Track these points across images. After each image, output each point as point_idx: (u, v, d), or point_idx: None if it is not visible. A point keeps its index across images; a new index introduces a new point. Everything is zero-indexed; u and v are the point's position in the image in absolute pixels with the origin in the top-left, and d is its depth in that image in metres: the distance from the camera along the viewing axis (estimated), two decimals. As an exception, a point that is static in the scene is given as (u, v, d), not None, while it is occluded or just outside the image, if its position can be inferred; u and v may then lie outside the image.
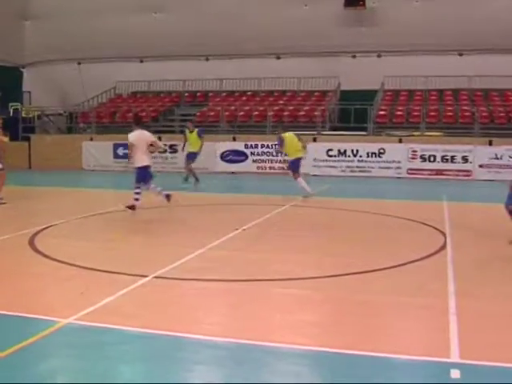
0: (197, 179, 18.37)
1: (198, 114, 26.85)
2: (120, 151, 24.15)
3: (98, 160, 24.97)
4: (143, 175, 12.85)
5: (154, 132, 24.96)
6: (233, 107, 26.87)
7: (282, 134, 15.95)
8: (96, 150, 25.23)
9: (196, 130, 19.02)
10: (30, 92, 30.84)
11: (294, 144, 15.82)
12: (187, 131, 19.03)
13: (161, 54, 28.90)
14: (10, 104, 28.71)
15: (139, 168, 12.81)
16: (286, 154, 16.89)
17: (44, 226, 10.94)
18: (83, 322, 5.75)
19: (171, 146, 22.99)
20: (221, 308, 6.51)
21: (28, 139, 26.34)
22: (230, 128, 25.46)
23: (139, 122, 13.67)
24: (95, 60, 29.83)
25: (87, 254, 8.80)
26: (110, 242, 9.94)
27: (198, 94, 29.41)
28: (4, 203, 13.97)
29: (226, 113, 26.16)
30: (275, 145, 18.49)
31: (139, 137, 12.79)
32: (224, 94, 28.97)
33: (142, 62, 30.05)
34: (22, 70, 32.29)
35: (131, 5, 28.72)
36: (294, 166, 15.77)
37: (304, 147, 16.41)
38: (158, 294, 6.89)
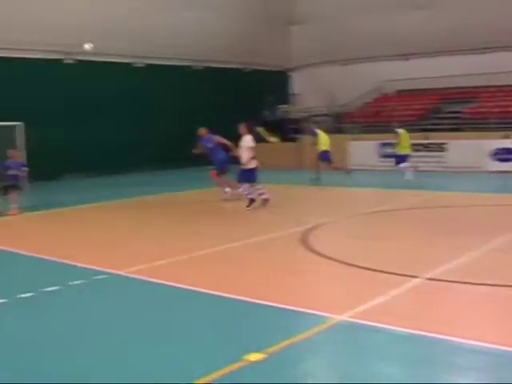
0: (317, 178, 19.48)
1: (465, 110, 25.86)
2: (385, 150, 24.27)
3: (363, 159, 25.31)
4: (250, 176, 14.40)
5: (422, 130, 24.82)
6: (503, 102, 25.37)
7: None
8: (362, 149, 25.60)
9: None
10: (297, 94, 32.34)
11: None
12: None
13: (426, 51, 28.40)
14: (279, 106, 30.46)
15: (250, 169, 14.38)
16: None
17: (314, 225, 11.44)
18: (356, 320, 5.91)
19: (440, 145, 22.53)
20: (497, 314, 6.24)
21: (297, 140, 27.60)
22: (501, 125, 24.05)
23: (251, 129, 15.40)
24: (359, 60, 30.29)
25: (357, 253, 9.02)
26: (379, 241, 10.05)
27: (465, 90, 28.27)
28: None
29: (496, 109, 24.79)
30: None
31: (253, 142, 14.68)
32: (493, 89, 27.46)
33: (407, 59, 29.76)
34: (289, 73, 34.05)
35: (393, 3, 28.61)
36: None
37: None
38: (430, 295, 6.83)
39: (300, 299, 6.74)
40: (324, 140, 20.24)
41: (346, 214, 12.80)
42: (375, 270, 7.82)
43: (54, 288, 7.54)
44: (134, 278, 7.96)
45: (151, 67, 27.03)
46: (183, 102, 27.95)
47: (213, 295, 6.99)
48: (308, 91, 31.72)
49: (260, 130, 29.70)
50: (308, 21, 31.49)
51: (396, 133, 19.35)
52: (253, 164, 14.58)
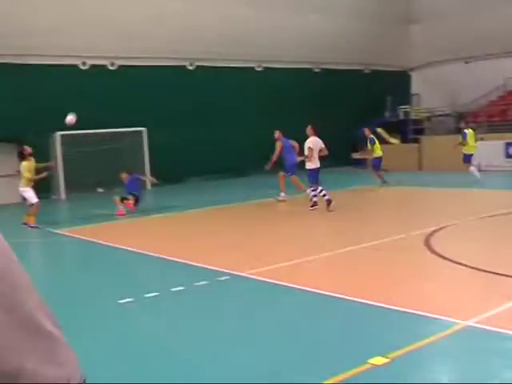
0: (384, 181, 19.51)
1: None
2: (512, 150, 23.27)
3: (488, 160, 24.34)
4: (314, 176, 14.89)
5: None
6: None
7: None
8: (487, 149, 24.63)
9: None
10: (418, 94, 31.64)
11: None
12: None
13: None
14: (400, 107, 29.93)
15: (312, 170, 14.87)
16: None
17: (437, 227, 11.14)
18: (482, 326, 5.69)
19: None
20: None
21: (418, 141, 27.01)
22: None
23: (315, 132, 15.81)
24: (481, 57, 29.16)
25: (482, 256, 8.72)
26: (505, 245, 9.64)
27: None
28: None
29: None
30: None
31: (314, 142, 15.22)
32: None
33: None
34: (409, 73, 33.37)
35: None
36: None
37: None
38: None
39: (425, 303, 6.58)
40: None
41: (469, 217, 12.36)
42: (502, 275, 7.50)
43: (179, 288, 7.79)
44: (255, 280, 8.08)
45: (268, 70, 27.41)
46: (300, 104, 28.11)
47: (336, 297, 6.97)
48: (429, 91, 30.99)
49: (380, 131, 29.49)
50: (428, 19, 30.79)
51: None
52: (314, 165, 15.00)
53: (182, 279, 8.33)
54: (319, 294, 7.18)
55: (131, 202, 16.37)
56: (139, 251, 10.84)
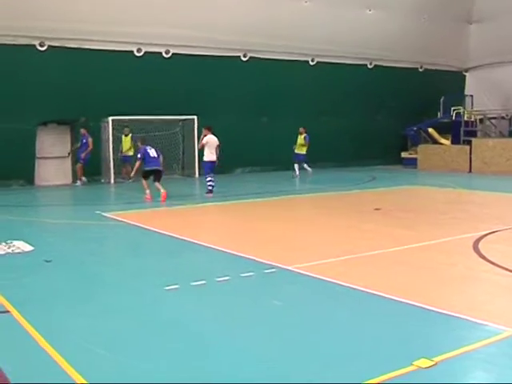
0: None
1: None
2: None
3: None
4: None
5: None
6: None
7: None
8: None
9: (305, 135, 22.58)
10: (472, 95, 31.10)
11: None
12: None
13: None
14: (452, 108, 29.49)
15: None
16: None
17: (487, 232, 10.99)
18: (531, 335, 5.63)
19: None
20: None
21: (469, 143, 26.60)
22: None
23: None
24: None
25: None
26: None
27: None
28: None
29: None
30: None
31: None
32: None
33: None
34: (464, 73, 32.81)
35: None
36: None
37: None
38: None
39: (472, 308, 6.51)
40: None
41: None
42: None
43: (225, 278, 7.89)
44: (302, 274, 8.11)
45: (322, 65, 27.31)
46: (352, 100, 28.02)
47: (383, 297, 6.96)
48: (485, 92, 30.44)
49: (431, 131, 29.15)
50: (488, 18, 30.15)
51: None
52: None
53: (229, 269, 8.43)
54: (366, 292, 7.17)
55: (148, 192, 16.75)
56: (187, 239, 10.98)
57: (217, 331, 5.96)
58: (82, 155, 21.75)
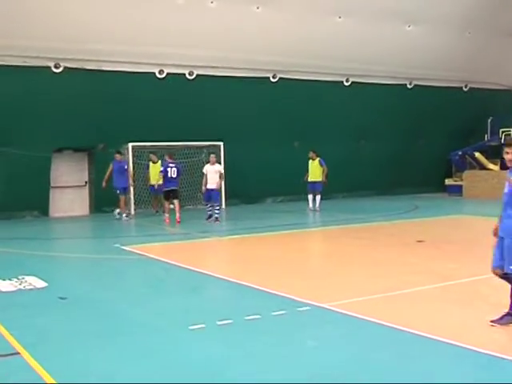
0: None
1: None
2: None
3: None
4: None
5: None
6: None
7: None
8: None
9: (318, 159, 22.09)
10: (523, 116, 30.80)
11: None
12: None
13: None
14: (501, 129, 29.21)
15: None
16: None
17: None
18: None
19: None
20: None
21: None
22: None
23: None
24: None
25: None
26: None
27: None
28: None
29: None
30: None
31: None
32: None
33: None
34: (515, 92, 32.58)
35: None
36: None
37: None
38: None
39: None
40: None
41: None
42: None
43: (254, 317, 7.81)
44: (338, 312, 8.01)
45: (357, 85, 27.30)
46: (391, 123, 27.92)
47: (427, 338, 6.83)
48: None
49: (478, 155, 28.87)
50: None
51: None
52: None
53: (258, 307, 8.35)
54: (408, 332, 7.05)
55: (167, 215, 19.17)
56: (212, 274, 10.96)
57: (247, 375, 5.88)
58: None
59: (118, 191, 20.87)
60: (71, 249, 15.22)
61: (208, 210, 19.27)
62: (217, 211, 18.83)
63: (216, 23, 22.95)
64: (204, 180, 19.17)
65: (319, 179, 22.10)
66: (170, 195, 19.16)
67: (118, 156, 21.04)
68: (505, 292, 7.81)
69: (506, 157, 7.21)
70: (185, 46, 22.81)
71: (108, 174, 20.81)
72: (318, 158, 22.28)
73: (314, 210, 21.87)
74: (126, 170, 21.12)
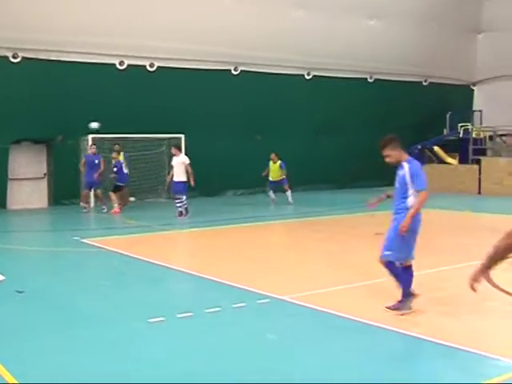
0: None
1: None
2: None
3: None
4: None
5: None
6: None
7: None
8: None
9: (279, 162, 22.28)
10: (481, 111, 31.29)
11: None
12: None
13: None
14: (460, 124, 29.64)
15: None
16: None
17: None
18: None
19: None
20: None
21: (478, 162, 26.67)
22: None
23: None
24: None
25: None
26: None
27: None
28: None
29: None
30: None
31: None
32: None
33: None
34: (472, 87, 33.05)
35: None
36: None
37: None
38: None
39: (483, 342, 6.51)
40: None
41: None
42: None
43: (214, 309, 7.82)
44: (298, 305, 8.07)
45: (318, 79, 27.43)
46: (351, 117, 28.10)
47: (382, 328, 6.93)
48: (493, 108, 30.55)
49: (437, 149, 29.25)
50: (497, 28, 30.34)
51: None
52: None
53: (217, 300, 8.37)
54: (365, 323, 7.14)
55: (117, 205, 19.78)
56: (173, 267, 10.95)
57: (205, 369, 5.89)
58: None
59: (87, 185, 20.48)
60: (29, 242, 15.00)
61: (178, 206, 18.55)
62: (179, 205, 18.43)
63: (177, 15, 22.85)
64: (171, 173, 18.80)
65: (279, 178, 22.44)
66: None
67: (91, 149, 20.63)
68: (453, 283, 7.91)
69: (386, 159, 7.75)
70: (146, 37, 22.66)
71: (82, 166, 20.56)
72: (279, 161, 22.48)
73: (288, 203, 22.01)
74: (98, 165, 20.39)
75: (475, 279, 3.81)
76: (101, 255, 12.56)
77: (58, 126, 21.85)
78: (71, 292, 9.28)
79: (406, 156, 7.80)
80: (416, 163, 7.74)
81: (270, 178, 22.62)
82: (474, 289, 3.81)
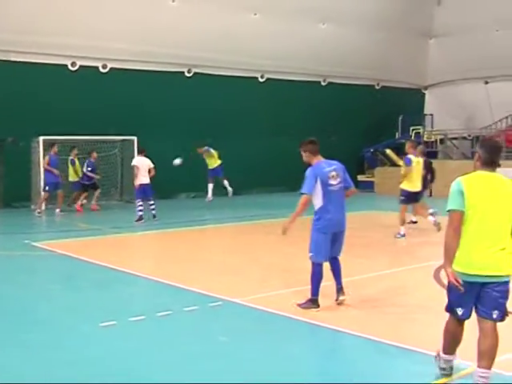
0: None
1: None
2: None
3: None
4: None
5: None
6: None
7: None
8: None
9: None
10: (432, 115, 31.84)
11: None
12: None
13: None
14: (412, 127, 30.14)
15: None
16: None
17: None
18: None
19: None
20: None
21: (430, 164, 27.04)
22: None
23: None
24: (504, 78, 29.33)
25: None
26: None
27: None
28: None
29: None
30: None
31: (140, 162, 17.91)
32: None
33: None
34: (423, 91, 33.63)
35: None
36: None
37: None
38: None
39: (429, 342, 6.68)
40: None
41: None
42: None
43: (166, 313, 7.87)
44: (249, 307, 8.16)
45: (272, 81, 27.58)
46: (304, 119, 28.30)
47: (330, 329, 7.07)
48: (445, 111, 31.14)
49: (389, 152, 29.64)
50: (447, 34, 30.78)
51: None
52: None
53: (170, 303, 8.41)
54: (315, 325, 7.27)
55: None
56: (124, 270, 10.92)
57: (157, 372, 5.93)
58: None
59: (48, 187, 20.01)
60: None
61: (139, 210, 17.55)
62: (153, 207, 17.86)
63: (130, 16, 22.73)
64: (137, 174, 17.67)
65: (216, 163, 22.17)
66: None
67: (53, 149, 20.36)
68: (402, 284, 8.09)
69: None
70: (98, 38, 22.47)
71: (46, 166, 20.12)
72: (205, 147, 22.30)
73: (226, 194, 22.05)
74: (57, 166, 20.21)
75: None
76: (52, 258, 12.46)
77: (9, 128, 21.51)
78: (20, 295, 9.20)
79: (316, 160, 8.52)
80: (312, 168, 8.43)
81: (210, 167, 22.25)
82: None
